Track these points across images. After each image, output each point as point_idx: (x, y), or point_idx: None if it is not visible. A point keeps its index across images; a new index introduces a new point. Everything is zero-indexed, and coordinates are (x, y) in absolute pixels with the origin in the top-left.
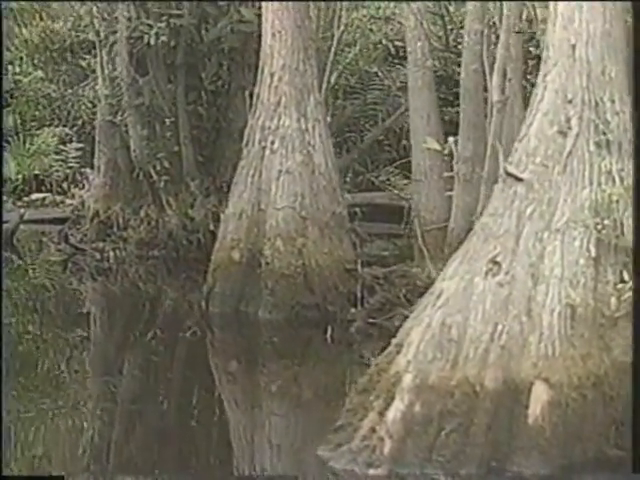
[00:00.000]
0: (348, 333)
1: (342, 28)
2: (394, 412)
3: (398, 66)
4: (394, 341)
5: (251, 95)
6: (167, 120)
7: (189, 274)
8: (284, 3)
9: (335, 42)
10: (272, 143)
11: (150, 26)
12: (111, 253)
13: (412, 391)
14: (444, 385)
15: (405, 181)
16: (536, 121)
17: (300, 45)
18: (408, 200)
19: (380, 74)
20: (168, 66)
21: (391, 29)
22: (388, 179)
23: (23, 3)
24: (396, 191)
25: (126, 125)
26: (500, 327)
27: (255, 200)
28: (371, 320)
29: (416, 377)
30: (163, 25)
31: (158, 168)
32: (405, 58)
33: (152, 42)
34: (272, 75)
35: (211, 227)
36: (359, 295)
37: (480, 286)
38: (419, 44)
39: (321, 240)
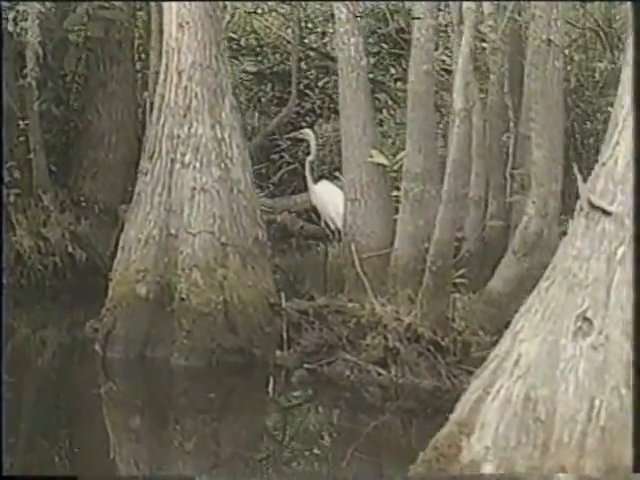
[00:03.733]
0: (285, 383)
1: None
2: None
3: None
4: (454, 418)
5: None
6: (20, 122)
7: (44, 305)
8: None
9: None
10: (183, 155)
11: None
12: None
13: None
14: (535, 478)
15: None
16: (623, 139)
17: (212, 38)
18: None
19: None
20: (16, 57)
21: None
22: None
23: None
24: None
25: None
26: (597, 402)
27: (163, 223)
28: (307, 366)
29: (499, 467)
30: (21, 9)
31: (7, 180)
32: (242, 50)
33: (10, 28)
34: (180, 74)
35: (69, 249)
36: (285, 335)
37: (569, 350)
38: (352, 40)
39: (243, 271)
